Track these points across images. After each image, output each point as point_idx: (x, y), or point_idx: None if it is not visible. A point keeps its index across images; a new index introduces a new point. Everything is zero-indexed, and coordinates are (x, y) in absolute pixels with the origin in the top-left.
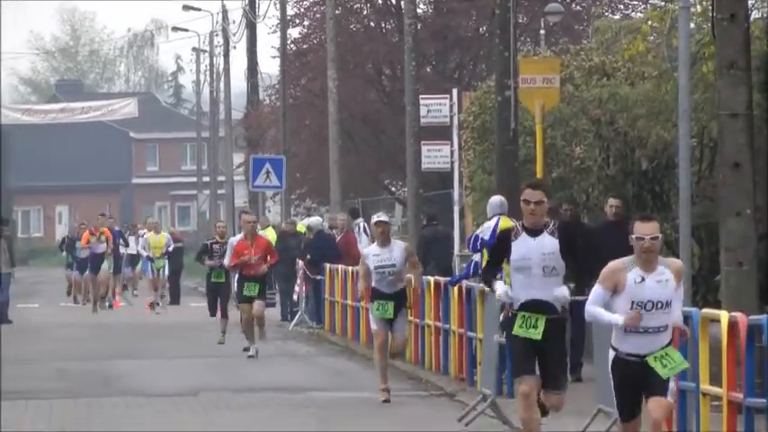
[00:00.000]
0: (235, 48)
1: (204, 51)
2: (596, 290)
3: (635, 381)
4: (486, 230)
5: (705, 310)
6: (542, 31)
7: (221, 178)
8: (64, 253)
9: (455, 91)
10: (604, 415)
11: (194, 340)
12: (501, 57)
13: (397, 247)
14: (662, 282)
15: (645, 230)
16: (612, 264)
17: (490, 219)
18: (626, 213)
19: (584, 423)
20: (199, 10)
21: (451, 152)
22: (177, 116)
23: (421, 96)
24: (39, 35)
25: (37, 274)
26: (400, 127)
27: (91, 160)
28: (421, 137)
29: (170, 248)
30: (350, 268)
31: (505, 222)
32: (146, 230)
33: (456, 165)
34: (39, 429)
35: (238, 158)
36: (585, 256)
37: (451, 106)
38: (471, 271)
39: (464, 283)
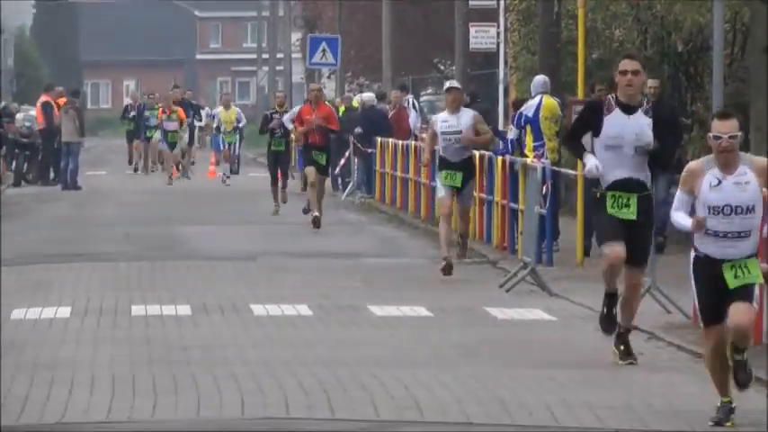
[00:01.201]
0: None
1: None
2: (678, 195)
3: (714, 283)
4: (529, 108)
5: None
6: None
7: (280, 55)
8: (130, 118)
9: None
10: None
11: (253, 208)
12: None
13: (466, 114)
14: (741, 184)
15: (723, 129)
16: (690, 165)
17: (534, 97)
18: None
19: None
20: None
21: (497, 33)
22: None
23: None
24: None
25: (106, 143)
26: (450, 8)
27: (157, 37)
28: (469, 18)
29: (240, 124)
30: (400, 142)
31: (548, 101)
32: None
33: (501, 45)
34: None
35: (296, 37)
36: None
37: None
38: (510, 148)
39: (507, 156)
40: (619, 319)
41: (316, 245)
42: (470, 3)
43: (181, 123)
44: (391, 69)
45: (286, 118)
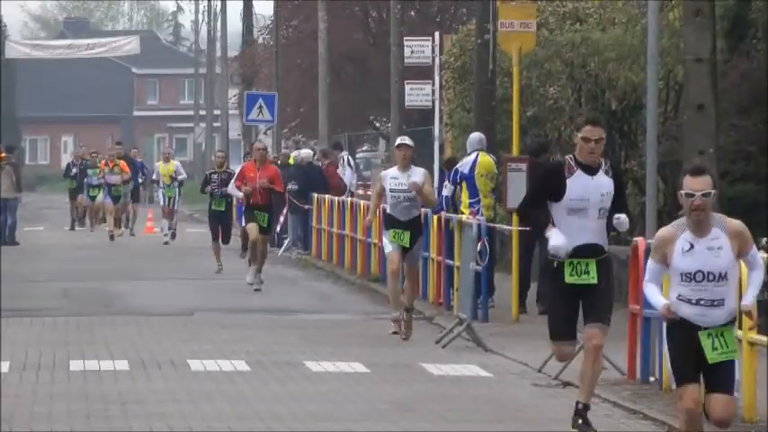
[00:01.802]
0: None
1: None
2: (649, 265)
3: (690, 347)
4: (465, 164)
5: None
6: None
7: (217, 112)
8: (72, 176)
9: (437, 34)
10: None
11: (190, 264)
12: (481, 2)
13: (417, 173)
14: (713, 249)
15: (695, 186)
16: (661, 233)
17: (470, 154)
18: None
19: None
20: None
21: (433, 91)
22: (176, 53)
23: (405, 38)
24: None
25: (43, 199)
26: (385, 67)
27: (95, 94)
28: (405, 76)
29: (179, 177)
30: (336, 198)
31: (484, 158)
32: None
33: (437, 103)
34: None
35: (233, 93)
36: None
37: (434, 48)
38: (445, 206)
39: (443, 213)
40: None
41: (253, 301)
42: (406, 60)
43: (123, 179)
44: (328, 126)
45: (230, 184)
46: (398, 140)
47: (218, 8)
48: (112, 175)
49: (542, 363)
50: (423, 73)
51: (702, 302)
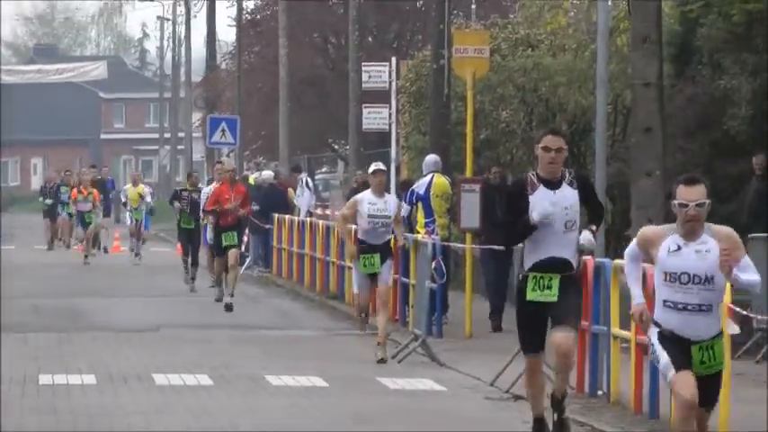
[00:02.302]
0: (195, 17)
1: (167, 20)
2: (630, 247)
3: (686, 358)
4: (421, 185)
5: (617, 261)
6: (474, 6)
7: (181, 135)
8: (46, 199)
9: (394, 59)
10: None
11: (157, 282)
12: (436, 29)
13: (392, 199)
14: (701, 252)
15: (690, 195)
16: (647, 230)
17: (425, 175)
18: None
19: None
20: None
21: (390, 114)
22: (142, 78)
23: (363, 63)
24: (19, 3)
25: (15, 219)
26: (344, 91)
27: (64, 117)
28: (362, 100)
29: (147, 199)
30: (296, 218)
31: (439, 179)
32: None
33: (393, 126)
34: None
35: (197, 117)
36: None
37: (390, 73)
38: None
39: None
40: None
41: (216, 317)
42: (363, 85)
43: (94, 204)
44: (288, 148)
45: (203, 204)
46: (373, 166)
47: (183, 35)
48: (85, 203)
49: (494, 377)
50: (380, 97)
51: (690, 307)
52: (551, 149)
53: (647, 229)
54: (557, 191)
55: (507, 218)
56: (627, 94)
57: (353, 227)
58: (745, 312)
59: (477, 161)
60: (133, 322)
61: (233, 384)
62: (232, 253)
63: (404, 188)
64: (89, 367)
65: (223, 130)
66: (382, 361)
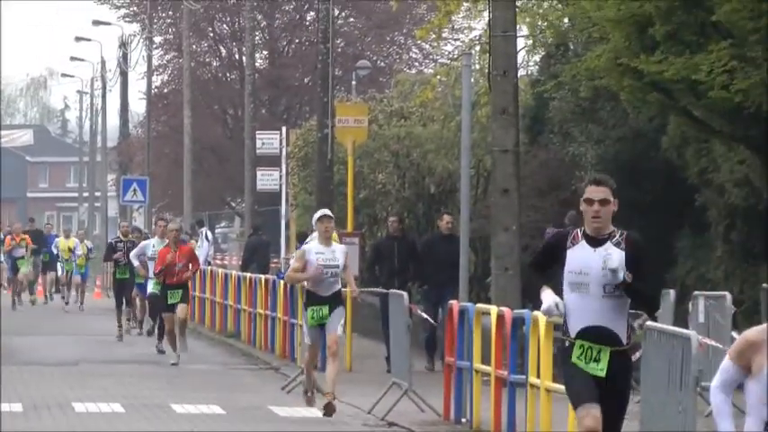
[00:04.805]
0: (110, 91)
1: (86, 93)
2: (725, 365)
3: None
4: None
5: (479, 305)
6: (354, 82)
7: (98, 194)
8: None
9: (284, 128)
10: (397, 387)
11: (80, 322)
12: (321, 101)
13: (339, 249)
14: None
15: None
16: (749, 335)
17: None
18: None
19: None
20: (83, 60)
21: (280, 176)
22: (64, 144)
23: (257, 132)
24: None
25: None
26: (240, 156)
27: None
28: (256, 164)
29: (77, 251)
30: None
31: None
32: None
33: (284, 186)
34: None
35: (111, 178)
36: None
37: (281, 140)
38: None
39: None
40: None
41: (128, 353)
42: (257, 151)
43: (27, 250)
44: (191, 205)
45: (133, 254)
46: (319, 213)
47: (100, 106)
48: (19, 249)
49: (371, 406)
50: (272, 161)
51: None
52: (594, 201)
53: (751, 334)
54: (598, 249)
55: (533, 266)
56: (487, 159)
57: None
58: None
59: (356, 217)
60: (56, 357)
61: (142, 412)
62: (181, 308)
63: (299, 239)
64: (16, 396)
65: (134, 190)
66: (327, 413)
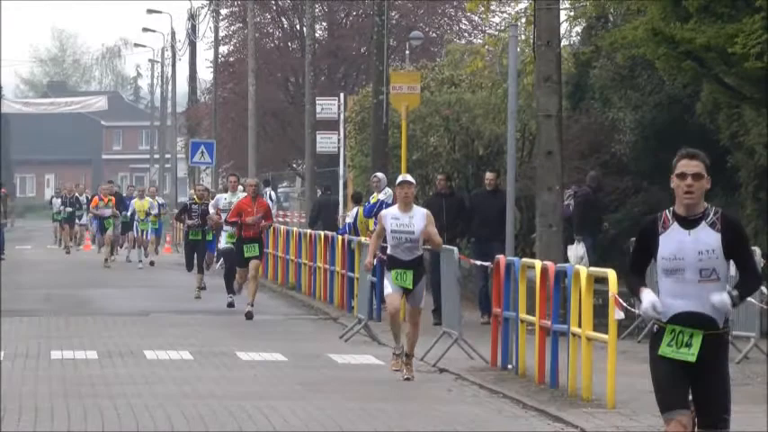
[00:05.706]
0: (180, 60)
1: (157, 62)
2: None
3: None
4: (389, 197)
5: (524, 260)
6: (407, 52)
7: (168, 156)
8: (67, 208)
9: (342, 95)
10: (447, 336)
11: (149, 275)
12: (376, 70)
13: (419, 215)
14: None
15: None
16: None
17: (382, 189)
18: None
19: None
20: (154, 31)
21: (338, 139)
22: (136, 110)
23: (317, 98)
24: (36, 47)
25: (30, 224)
26: (301, 120)
27: (72, 141)
28: (316, 128)
29: (153, 212)
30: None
31: (377, 199)
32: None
33: (341, 149)
34: (30, 337)
35: (180, 141)
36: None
37: (339, 106)
38: (347, 229)
39: (346, 236)
40: None
41: (196, 305)
42: (317, 115)
43: (114, 213)
44: (255, 167)
45: (211, 204)
46: (400, 178)
47: (170, 74)
48: (106, 209)
49: (424, 353)
50: (330, 125)
51: None
52: (687, 175)
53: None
54: (692, 230)
55: (633, 270)
56: (532, 123)
57: (375, 243)
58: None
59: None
60: (128, 308)
61: (209, 359)
62: (253, 264)
63: (353, 200)
64: (91, 345)
65: (202, 152)
66: (398, 371)
